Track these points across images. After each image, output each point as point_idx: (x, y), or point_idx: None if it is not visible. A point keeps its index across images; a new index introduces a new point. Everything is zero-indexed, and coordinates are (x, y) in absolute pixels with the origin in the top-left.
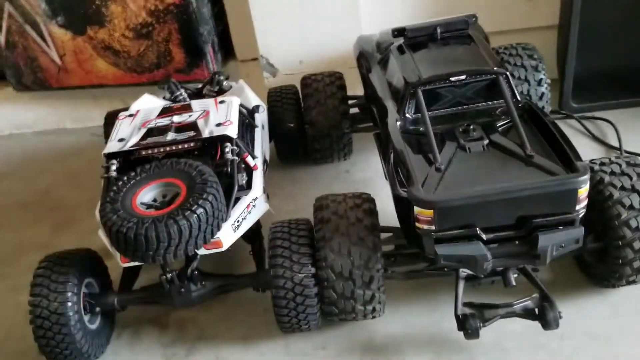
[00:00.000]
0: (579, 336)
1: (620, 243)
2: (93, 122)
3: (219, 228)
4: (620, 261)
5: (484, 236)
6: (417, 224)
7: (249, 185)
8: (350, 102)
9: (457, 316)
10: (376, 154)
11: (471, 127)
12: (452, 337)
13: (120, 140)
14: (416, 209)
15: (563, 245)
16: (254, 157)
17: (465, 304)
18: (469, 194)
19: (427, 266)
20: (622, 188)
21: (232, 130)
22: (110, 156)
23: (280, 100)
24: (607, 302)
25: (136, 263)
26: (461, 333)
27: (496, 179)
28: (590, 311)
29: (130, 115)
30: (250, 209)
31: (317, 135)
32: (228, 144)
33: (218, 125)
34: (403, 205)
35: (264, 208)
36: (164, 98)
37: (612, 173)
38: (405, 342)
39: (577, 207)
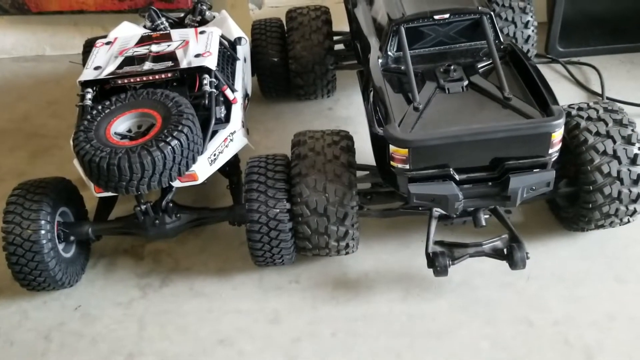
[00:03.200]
0: (545, 276)
1: (591, 188)
2: (73, 49)
3: (194, 161)
4: (590, 205)
5: (456, 177)
6: (392, 163)
7: (227, 119)
8: (335, 38)
9: (427, 254)
10: (359, 92)
11: (452, 67)
12: (422, 274)
13: (97, 68)
14: (392, 148)
15: (534, 187)
16: (233, 91)
17: (436, 243)
18: (444, 134)
19: (402, 205)
20: (597, 134)
21: (211, 62)
22: (85, 84)
23: (265, 34)
24: (575, 245)
25: (110, 193)
26: (430, 271)
27: (472, 120)
28: (559, 253)
29: (108, 43)
30: (228, 142)
31: (301, 70)
32: (206, 76)
33: (197, 56)
34: (379, 144)
35: (242, 142)
36: (144, 27)
37: (589, 118)
38: (377, 278)
39: (550, 151)
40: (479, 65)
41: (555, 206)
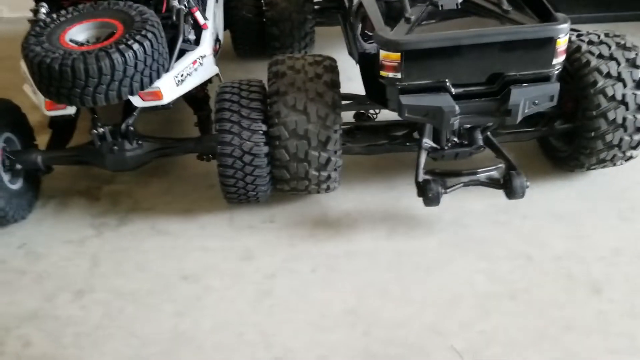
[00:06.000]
0: (542, 215)
1: (594, 113)
2: None
3: (158, 75)
4: (593, 134)
5: (452, 90)
6: (382, 72)
7: (197, 43)
8: None
9: (417, 183)
10: (338, 50)
11: None
12: (409, 214)
13: None
14: (382, 54)
15: (536, 101)
16: (205, 18)
17: (426, 172)
18: (439, 36)
19: (388, 141)
20: (600, 56)
21: None
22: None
23: None
24: (573, 186)
25: (63, 112)
26: (418, 211)
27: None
28: (556, 193)
29: None
30: (197, 66)
31: (277, 18)
32: None
33: None
34: (368, 61)
35: (213, 70)
36: None
37: (590, 42)
38: (359, 218)
39: (554, 62)
40: None
41: (549, 148)
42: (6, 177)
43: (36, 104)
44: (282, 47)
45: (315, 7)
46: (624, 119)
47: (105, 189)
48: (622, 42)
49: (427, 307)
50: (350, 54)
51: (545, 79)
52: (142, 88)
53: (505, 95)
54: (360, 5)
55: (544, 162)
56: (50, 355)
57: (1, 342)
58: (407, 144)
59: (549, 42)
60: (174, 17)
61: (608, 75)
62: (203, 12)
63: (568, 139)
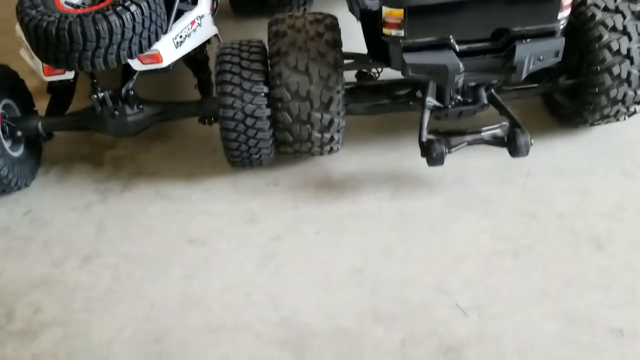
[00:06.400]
0: (547, 172)
1: (598, 68)
2: None
3: (157, 37)
4: (597, 89)
5: (457, 47)
6: (384, 30)
7: (194, 3)
8: None
9: (421, 142)
10: (338, 8)
11: None
12: (412, 174)
13: None
14: (384, 10)
15: (541, 57)
16: None
17: (430, 132)
18: None
19: (391, 101)
20: (606, 9)
21: None
22: None
23: None
24: (576, 142)
25: (62, 77)
26: (422, 171)
27: None
28: (560, 150)
29: None
30: (195, 27)
31: None
32: None
33: None
34: (370, 18)
35: (212, 30)
36: None
37: None
38: (363, 179)
39: (559, 16)
40: None
41: (553, 104)
42: (7, 144)
43: (34, 69)
44: (281, 5)
45: None
46: (629, 73)
47: (108, 154)
48: None
49: (432, 266)
50: (351, 10)
51: (550, 33)
52: (141, 51)
53: (510, 51)
54: None
55: (548, 118)
56: (61, 321)
57: (11, 309)
58: (411, 103)
59: None
60: None
61: (613, 28)
62: None
63: (572, 95)
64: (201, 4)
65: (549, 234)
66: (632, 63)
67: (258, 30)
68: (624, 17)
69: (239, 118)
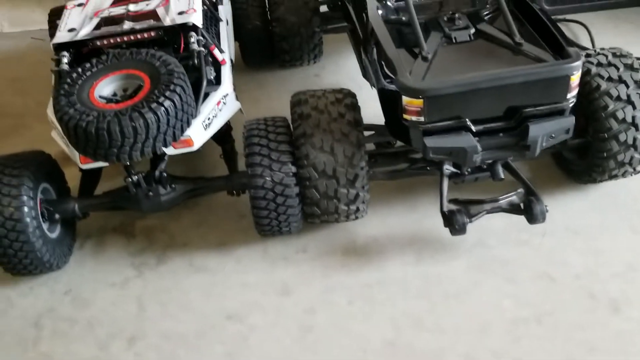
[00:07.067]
0: (560, 232)
1: (606, 135)
2: (34, 24)
3: (188, 124)
4: (605, 154)
5: (473, 128)
6: (405, 116)
7: (217, 81)
8: None
9: (443, 213)
10: (346, 57)
11: (456, 15)
12: (433, 236)
13: (71, 30)
14: (404, 99)
15: (553, 135)
16: (221, 51)
17: (450, 201)
18: (460, 81)
19: (409, 165)
20: (610, 79)
21: (197, 19)
22: (60, 47)
23: None
24: (586, 198)
25: (97, 164)
26: (442, 232)
27: (485, 68)
28: (571, 207)
29: (80, 5)
30: (221, 106)
31: (286, 34)
32: (193, 34)
33: (180, 13)
34: (389, 99)
35: (235, 106)
36: None
37: (599, 64)
38: (387, 243)
39: (569, 96)
40: (483, 13)
41: (562, 160)
42: (45, 227)
43: (68, 155)
44: (292, 60)
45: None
46: (635, 139)
47: (139, 224)
48: (630, 62)
49: (460, 336)
50: (365, 77)
51: (560, 112)
52: (174, 140)
53: (524, 130)
54: (372, 38)
55: (558, 173)
56: None
57: None
58: (428, 168)
59: (565, 79)
60: (195, 60)
61: (618, 98)
62: (219, 44)
63: (580, 152)
64: (224, 83)
65: (568, 297)
66: (637, 129)
67: (271, 84)
68: (627, 86)
69: (269, 197)
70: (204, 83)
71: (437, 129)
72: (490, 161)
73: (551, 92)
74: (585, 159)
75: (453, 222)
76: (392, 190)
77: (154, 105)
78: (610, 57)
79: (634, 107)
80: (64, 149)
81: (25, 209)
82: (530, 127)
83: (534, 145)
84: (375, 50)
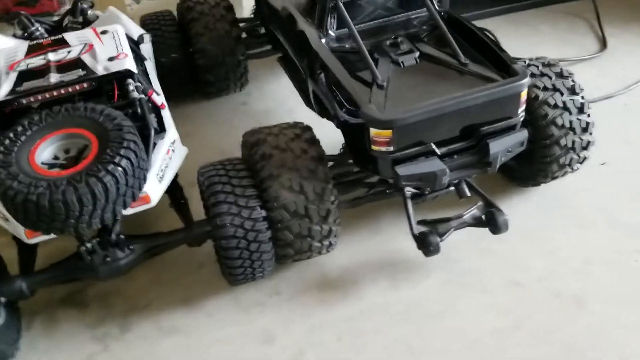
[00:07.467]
0: (514, 237)
1: (548, 142)
2: None
3: (145, 180)
4: (549, 159)
5: (438, 151)
6: (373, 147)
7: (160, 127)
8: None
9: (414, 236)
10: (270, 81)
11: (399, 39)
12: (402, 257)
13: None
14: (372, 131)
15: (510, 150)
16: (157, 94)
17: (419, 222)
18: (426, 108)
19: (368, 190)
20: (545, 88)
21: (131, 64)
22: None
23: (160, 29)
24: (530, 201)
25: (46, 237)
26: (409, 253)
27: (439, 91)
28: (517, 211)
29: None
30: (171, 154)
31: (210, 65)
32: (130, 80)
33: (111, 59)
34: (353, 131)
35: (183, 152)
36: (13, 36)
37: (532, 75)
38: (358, 271)
39: (519, 110)
40: (422, 35)
41: (504, 167)
42: None
43: (5, 228)
44: (218, 91)
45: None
46: (573, 142)
47: (90, 291)
48: (559, 71)
49: (451, 355)
50: (309, 105)
51: (513, 127)
52: (134, 199)
53: (484, 148)
54: (318, 67)
55: (498, 180)
56: None
57: None
58: (387, 191)
59: (517, 96)
60: (137, 109)
61: (555, 106)
62: (152, 86)
63: (524, 159)
64: (170, 129)
65: (538, 300)
66: (575, 133)
67: (197, 115)
68: (562, 94)
69: (242, 245)
70: (152, 133)
71: (405, 157)
72: (456, 181)
73: (505, 108)
74: (529, 164)
75: (427, 244)
76: (351, 216)
77: (110, 167)
78: (541, 67)
79: (570, 113)
80: (3, 225)
81: None
82: (490, 145)
83: (494, 161)
84: (325, 80)
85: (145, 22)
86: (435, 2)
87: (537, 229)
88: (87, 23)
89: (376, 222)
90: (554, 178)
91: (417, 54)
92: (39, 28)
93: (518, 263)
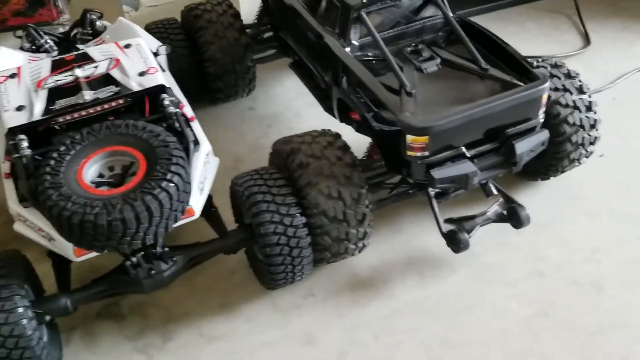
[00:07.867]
0: (529, 229)
1: (561, 139)
2: None
3: (191, 194)
4: (560, 155)
5: (467, 153)
6: (408, 152)
7: (196, 143)
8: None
9: (443, 234)
10: (275, 85)
11: (419, 47)
12: (427, 254)
13: (19, 108)
14: (409, 138)
15: (533, 149)
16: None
17: (446, 221)
18: (460, 115)
19: (391, 191)
20: (556, 89)
21: (163, 79)
22: (15, 131)
23: (168, 37)
24: (540, 195)
25: (93, 255)
26: (433, 249)
27: (465, 97)
28: (530, 205)
29: (13, 76)
30: (207, 165)
31: (220, 72)
32: (165, 95)
33: (142, 74)
34: (388, 137)
35: (216, 162)
36: (20, 49)
37: None
38: (387, 270)
39: (540, 112)
40: (440, 41)
41: None
42: (38, 334)
43: (49, 247)
44: (227, 97)
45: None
46: (583, 138)
47: (125, 303)
48: (566, 72)
49: (488, 346)
50: (328, 110)
51: (534, 128)
52: (183, 213)
53: (510, 148)
54: (342, 75)
55: (506, 175)
56: None
57: None
58: (410, 191)
59: (538, 99)
60: (175, 123)
61: (567, 105)
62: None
63: (537, 155)
64: (203, 140)
65: (559, 288)
66: (584, 129)
67: (205, 121)
68: (571, 93)
69: (285, 252)
70: (192, 146)
71: (439, 161)
72: (484, 181)
73: (528, 111)
74: (539, 159)
75: (457, 242)
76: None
77: (164, 183)
78: (549, 69)
79: (580, 111)
80: (42, 243)
81: (24, 321)
82: (515, 145)
83: (520, 161)
84: (353, 88)
85: (151, 31)
86: (448, 8)
87: (549, 221)
88: (96, 34)
89: (396, 221)
90: (563, 172)
91: (438, 60)
92: (48, 41)
93: (537, 254)
